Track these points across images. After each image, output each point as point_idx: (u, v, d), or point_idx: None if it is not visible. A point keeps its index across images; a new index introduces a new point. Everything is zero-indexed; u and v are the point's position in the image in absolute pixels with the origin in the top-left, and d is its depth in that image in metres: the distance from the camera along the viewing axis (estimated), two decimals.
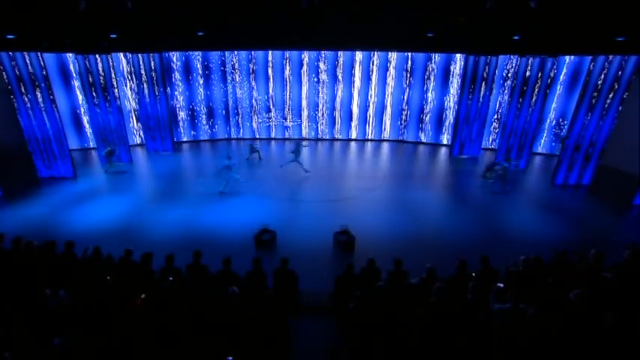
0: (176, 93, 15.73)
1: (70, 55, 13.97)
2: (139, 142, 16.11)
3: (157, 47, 13.93)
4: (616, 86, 10.79)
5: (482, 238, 8.77)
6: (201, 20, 11.45)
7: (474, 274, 5.51)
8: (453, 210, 10.42)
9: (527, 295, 4.54)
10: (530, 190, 11.90)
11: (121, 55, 14.34)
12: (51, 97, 11.57)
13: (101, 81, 12.70)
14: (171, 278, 5.37)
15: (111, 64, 12.73)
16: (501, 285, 4.79)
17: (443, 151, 15.74)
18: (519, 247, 7.95)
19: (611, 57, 10.63)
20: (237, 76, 16.10)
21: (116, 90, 13.04)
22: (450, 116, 15.82)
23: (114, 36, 11.61)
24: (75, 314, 4.42)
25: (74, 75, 14.40)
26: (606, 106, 11.03)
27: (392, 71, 15.80)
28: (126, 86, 15.11)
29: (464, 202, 10.92)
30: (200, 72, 15.69)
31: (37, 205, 10.49)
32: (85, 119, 15.14)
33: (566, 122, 14.40)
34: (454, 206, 10.67)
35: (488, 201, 10.91)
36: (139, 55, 13.94)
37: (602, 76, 10.80)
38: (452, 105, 15.53)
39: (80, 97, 14.76)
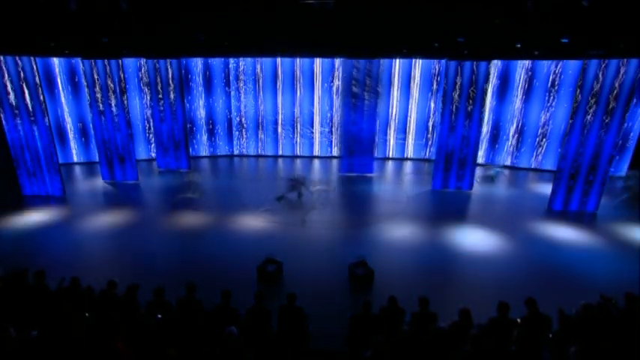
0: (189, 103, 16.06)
1: (55, 59, 14.55)
2: (153, 156, 16.20)
3: (174, 53, 14.20)
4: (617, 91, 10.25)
5: (525, 275, 8.41)
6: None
7: (518, 320, 5.25)
8: (489, 240, 10.07)
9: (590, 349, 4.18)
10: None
11: (123, 61, 14.59)
12: (43, 104, 11.79)
13: (109, 87, 12.91)
14: (159, 316, 5.26)
15: (121, 74, 12.93)
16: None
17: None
18: (568, 287, 7.80)
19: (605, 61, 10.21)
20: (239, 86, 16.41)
21: (125, 98, 13.19)
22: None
23: (105, 40, 11.86)
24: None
25: (59, 82, 14.94)
26: (606, 118, 10.53)
27: (417, 82, 15.80)
28: (138, 95, 15.55)
29: (498, 230, 10.54)
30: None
31: (16, 226, 10.54)
32: (70, 131, 15.70)
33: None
34: (489, 235, 10.31)
35: (519, 229, 10.55)
36: (155, 62, 14.18)
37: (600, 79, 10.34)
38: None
39: (65, 106, 15.28)
